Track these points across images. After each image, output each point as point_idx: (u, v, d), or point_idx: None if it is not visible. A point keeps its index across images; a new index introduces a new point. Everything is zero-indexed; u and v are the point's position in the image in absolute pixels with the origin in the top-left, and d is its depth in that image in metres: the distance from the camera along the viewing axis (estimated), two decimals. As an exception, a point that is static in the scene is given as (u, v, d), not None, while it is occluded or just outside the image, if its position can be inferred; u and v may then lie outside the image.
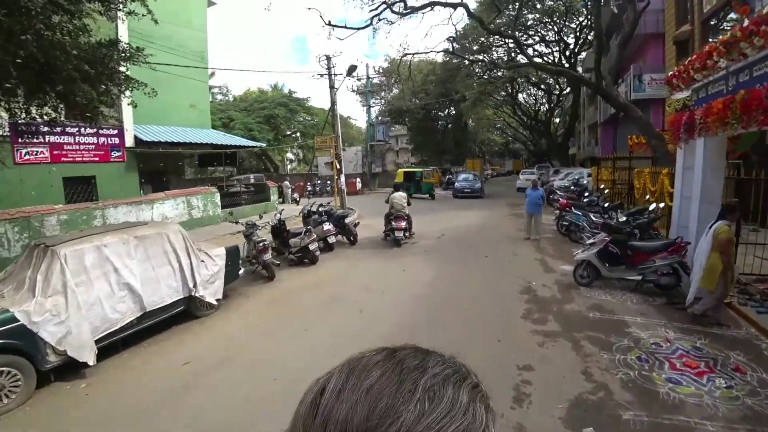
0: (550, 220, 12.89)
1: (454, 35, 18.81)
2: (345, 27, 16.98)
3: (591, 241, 7.01)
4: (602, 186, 14.81)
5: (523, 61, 24.36)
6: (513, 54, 30.01)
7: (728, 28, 14.90)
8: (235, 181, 24.53)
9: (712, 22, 14.85)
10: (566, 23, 29.14)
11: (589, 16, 28.59)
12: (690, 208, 6.75)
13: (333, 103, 17.53)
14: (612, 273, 6.81)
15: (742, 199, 7.01)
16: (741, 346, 4.68)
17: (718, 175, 6.40)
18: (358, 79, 29.29)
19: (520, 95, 44.25)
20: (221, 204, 14.79)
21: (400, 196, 10.80)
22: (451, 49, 19.08)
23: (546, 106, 43.87)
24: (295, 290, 7.39)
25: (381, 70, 32.19)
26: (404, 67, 22.07)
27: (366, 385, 0.43)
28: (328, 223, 9.97)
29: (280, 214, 9.62)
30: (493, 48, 30.03)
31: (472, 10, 16.38)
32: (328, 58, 17.41)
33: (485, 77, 34.38)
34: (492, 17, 20.33)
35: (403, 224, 10.45)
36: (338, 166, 17.47)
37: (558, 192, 16.04)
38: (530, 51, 26.06)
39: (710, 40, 15.06)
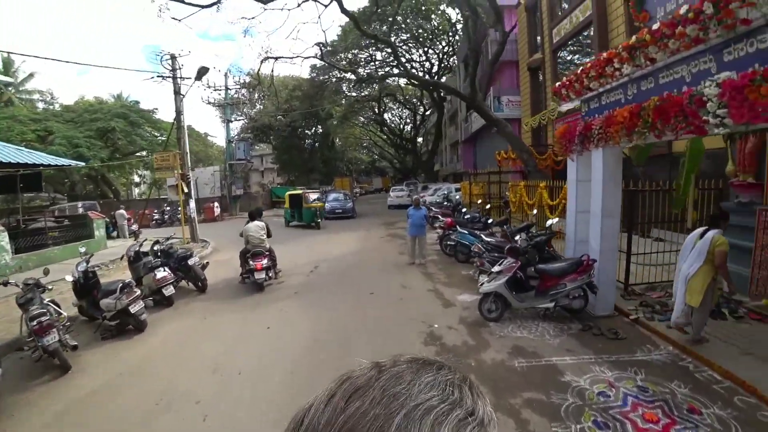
0: (433, 239, 12.14)
1: (324, 43, 17.22)
2: (182, 1, 13.71)
3: (497, 268, 5.99)
4: (479, 201, 14.81)
5: (397, 72, 24.42)
6: (386, 64, 30.08)
7: (569, 58, 17.04)
8: (56, 210, 19.19)
9: (560, 52, 16.49)
10: (431, 47, 30.63)
11: (450, 44, 30.53)
12: (590, 223, 6.28)
13: (178, 112, 14.39)
14: (523, 303, 5.90)
15: (632, 210, 6.92)
16: (675, 374, 4.32)
17: (617, 187, 6.00)
18: (216, 90, 25.81)
19: (386, 114, 45.59)
20: (14, 247, 10.41)
21: (257, 227, 8.47)
22: (319, 55, 17.30)
23: (411, 125, 45.88)
24: (102, 389, 4.57)
25: (243, 82, 29.20)
26: (267, 77, 19.82)
27: (341, 421, 0.41)
28: (162, 269, 7.29)
29: (87, 261, 6.58)
30: (362, 65, 29.77)
31: (346, 10, 15.09)
32: (173, 57, 14.39)
33: (353, 95, 34.25)
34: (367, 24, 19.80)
35: (264, 262, 8.08)
36: (185, 189, 14.14)
37: (432, 209, 15.57)
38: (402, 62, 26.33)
39: (559, 65, 16.92)
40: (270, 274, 8.42)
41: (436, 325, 5.90)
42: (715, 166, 7.29)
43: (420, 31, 28.03)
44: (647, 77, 4.77)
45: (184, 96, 14.54)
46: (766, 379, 4.00)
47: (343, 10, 14.99)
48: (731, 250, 5.72)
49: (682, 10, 3.85)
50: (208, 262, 9.18)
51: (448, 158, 40.40)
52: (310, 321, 6.34)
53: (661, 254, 7.06)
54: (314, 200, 18.33)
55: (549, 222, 7.86)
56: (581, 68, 5.83)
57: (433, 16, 26.98)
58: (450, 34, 29.40)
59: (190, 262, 8.10)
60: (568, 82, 6.20)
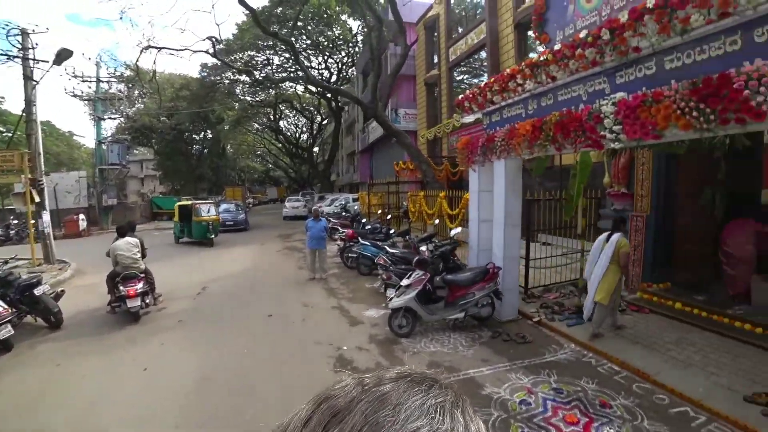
0: (333, 251, 11.74)
1: (217, 38, 15.54)
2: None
3: (406, 282, 5.83)
4: (379, 211, 14.84)
5: (297, 75, 23.28)
6: (283, 69, 28.64)
7: (459, 78, 18.28)
8: None
9: (456, 70, 17.52)
10: (331, 55, 30.18)
11: (350, 54, 30.45)
12: (493, 232, 6.52)
13: (29, 102, 11.72)
14: (434, 315, 5.82)
15: (530, 217, 7.37)
16: (582, 371, 4.62)
17: (517, 197, 6.31)
18: (85, 80, 21.84)
19: (282, 122, 44.04)
20: None
21: (128, 244, 7.04)
22: (212, 51, 15.62)
23: (308, 134, 44.98)
24: None
25: (120, 75, 25.49)
26: (149, 71, 17.61)
27: None
28: (-5, 304, 5.58)
29: None
30: (259, 68, 28.09)
31: (245, 1, 13.94)
32: (24, 33, 11.63)
33: (247, 99, 32.34)
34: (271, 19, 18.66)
35: (139, 287, 6.67)
36: (36, 198, 11.40)
37: (331, 219, 15.11)
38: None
39: (454, 83, 17.98)
40: (147, 301, 7.04)
41: (345, 347, 5.47)
42: (594, 178, 8.20)
43: (321, 38, 27.21)
44: (547, 94, 5.06)
45: (37, 83, 11.88)
46: (653, 365, 4.56)
47: (241, 1, 13.89)
48: None
49: (582, 34, 4.12)
50: (63, 290, 7.34)
51: (345, 168, 40.50)
52: (199, 356, 5.35)
53: (552, 258, 7.65)
54: (207, 213, 15.86)
55: (453, 232, 8.02)
56: (485, 82, 6.05)
57: (335, 26, 26.50)
58: (350, 44, 29.31)
59: (38, 291, 6.36)
60: (471, 95, 6.40)
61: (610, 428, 3.52)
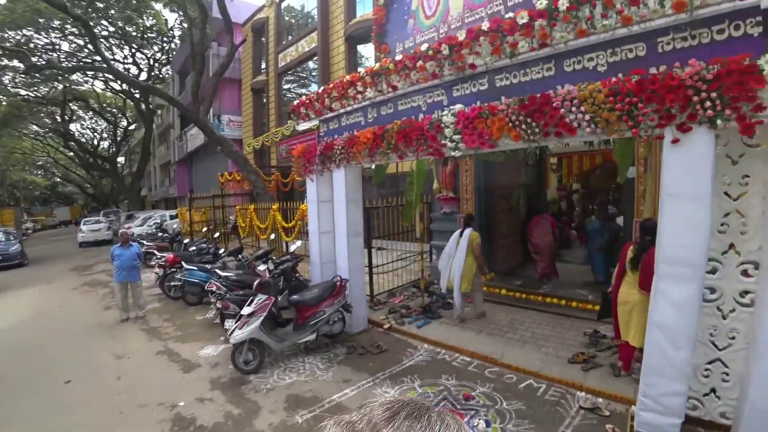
0: (151, 281, 9.95)
1: None
2: None
3: (248, 309, 5.10)
4: (204, 229, 13.22)
5: (96, 64, 18.43)
6: (75, 59, 22.46)
7: (286, 87, 17.82)
8: None
9: (285, 77, 16.96)
10: (140, 48, 25.21)
11: (164, 51, 26.24)
12: (336, 243, 6.34)
13: None
14: (284, 342, 5.25)
15: (370, 225, 7.44)
16: (440, 369, 4.83)
17: (359, 206, 6.28)
18: None
19: (74, 125, 35.52)
20: None
21: None
22: None
23: (110, 141, 37.35)
24: None
25: None
26: None
27: None
28: None
29: None
30: (40, 53, 21.38)
31: None
32: None
33: (21, 92, 25.05)
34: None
35: None
36: None
37: (145, 243, 12.83)
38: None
39: (283, 89, 17.37)
40: None
41: (181, 403, 4.43)
42: (425, 184, 8.83)
43: (129, 28, 22.10)
44: (387, 103, 5.13)
45: None
46: (497, 349, 5.10)
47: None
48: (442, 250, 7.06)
49: (423, 47, 4.28)
50: None
51: (159, 181, 35.62)
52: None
53: (392, 262, 7.97)
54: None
55: (292, 246, 7.52)
56: (323, 88, 5.85)
57: (146, 15, 21.96)
58: (166, 39, 25.14)
59: None
60: (308, 101, 6.12)
61: (478, 419, 3.69)
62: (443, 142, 4.24)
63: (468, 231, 5.96)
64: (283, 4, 17.62)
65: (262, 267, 6.28)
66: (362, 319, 6.33)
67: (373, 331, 6.23)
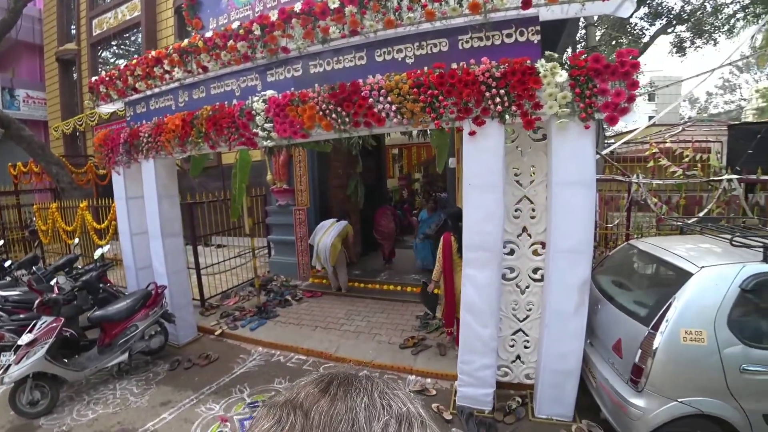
0: None
1: None
2: None
3: (28, 338, 3.99)
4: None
5: None
6: None
7: (113, 60, 14.84)
8: None
9: (103, 50, 14.15)
10: None
11: None
12: (151, 245, 5.48)
13: None
14: (85, 370, 4.28)
15: (193, 223, 6.64)
16: (274, 372, 4.59)
17: (174, 202, 5.46)
18: None
19: None
20: None
21: None
22: None
23: None
24: None
25: None
26: None
27: None
28: None
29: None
30: None
31: None
32: None
33: None
34: None
35: None
36: None
37: None
38: None
39: (101, 64, 14.43)
40: None
41: None
42: (259, 176, 8.30)
43: None
44: (199, 86, 4.55)
45: None
46: (332, 343, 5.05)
47: None
48: (282, 245, 7.74)
49: (235, 25, 3.83)
50: None
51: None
52: None
53: (226, 261, 7.39)
54: None
55: (98, 251, 6.24)
56: (125, 64, 4.91)
57: None
58: None
59: None
60: (108, 78, 5.10)
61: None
62: (255, 130, 3.90)
63: (344, 222, 6.62)
64: (99, -45, 14.69)
65: (62, 279, 5.10)
66: (190, 328, 5.66)
67: (204, 339, 5.63)
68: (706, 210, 5.09)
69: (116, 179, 5.64)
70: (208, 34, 4.11)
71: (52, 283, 4.79)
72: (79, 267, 6.56)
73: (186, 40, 4.34)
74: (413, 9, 3.19)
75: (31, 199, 12.42)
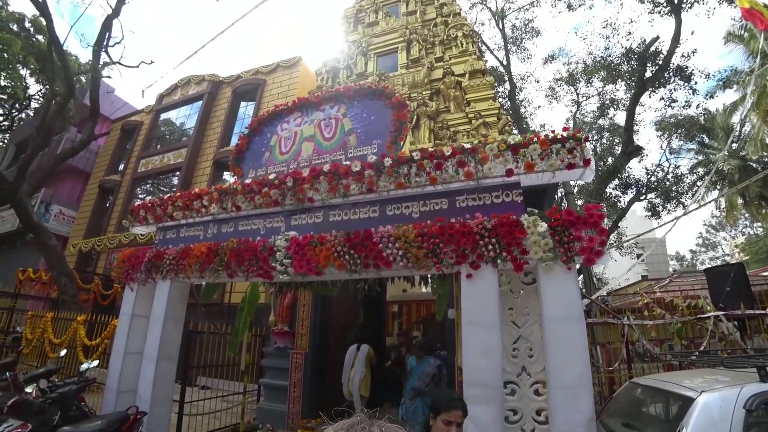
0: None
1: None
2: None
3: None
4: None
5: None
6: None
7: (143, 196, 16.54)
8: None
9: (141, 185, 16.00)
10: None
11: (9, 117, 22.22)
12: (142, 367, 5.34)
13: None
14: None
15: (189, 352, 6.56)
16: None
17: (179, 326, 5.56)
18: None
19: None
20: None
21: None
22: None
23: None
24: None
25: None
26: None
27: None
28: None
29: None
30: None
31: None
32: None
33: None
34: None
35: None
36: None
37: None
38: None
39: (135, 195, 16.08)
40: None
41: None
42: (261, 317, 8.41)
43: None
44: (229, 221, 5.15)
45: None
46: None
47: None
48: (274, 390, 7.23)
49: (271, 176, 4.69)
50: None
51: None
52: None
53: (210, 401, 6.88)
54: None
55: (84, 366, 5.96)
56: (168, 195, 5.67)
57: (4, 75, 18.07)
58: (17, 107, 21.24)
59: None
60: (150, 204, 5.79)
61: None
62: (273, 264, 4.33)
63: (365, 347, 6.93)
64: (163, 115, 17.63)
65: (33, 387, 4.89)
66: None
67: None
68: (702, 347, 5.35)
69: (128, 295, 5.84)
70: (247, 181, 4.88)
71: (28, 389, 4.60)
72: (56, 380, 6.27)
73: (227, 183, 5.11)
74: (419, 175, 3.95)
75: (25, 305, 12.36)
